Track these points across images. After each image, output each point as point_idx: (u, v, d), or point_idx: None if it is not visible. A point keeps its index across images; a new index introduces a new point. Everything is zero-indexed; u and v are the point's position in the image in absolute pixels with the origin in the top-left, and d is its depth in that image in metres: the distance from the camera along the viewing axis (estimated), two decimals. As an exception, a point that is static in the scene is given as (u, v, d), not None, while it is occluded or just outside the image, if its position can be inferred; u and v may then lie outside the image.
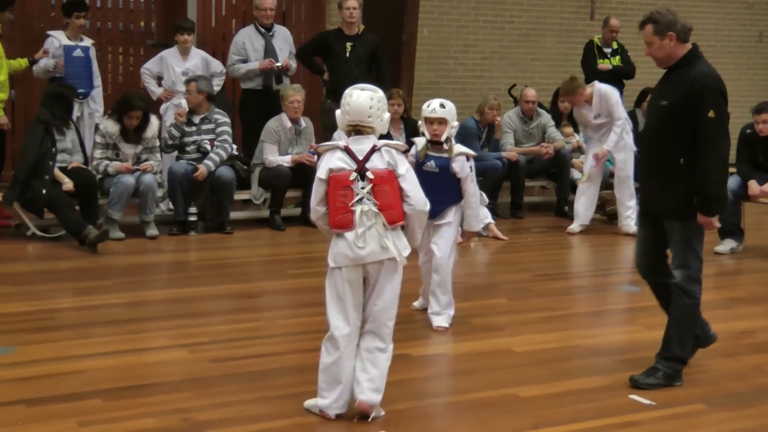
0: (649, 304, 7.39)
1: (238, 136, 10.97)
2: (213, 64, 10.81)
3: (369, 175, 4.72)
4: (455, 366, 5.81)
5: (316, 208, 4.86)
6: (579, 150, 11.52)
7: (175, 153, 9.96)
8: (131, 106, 9.39)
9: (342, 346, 4.80)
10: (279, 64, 10.63)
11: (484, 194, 6.88)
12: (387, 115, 4.88)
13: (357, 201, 4.72)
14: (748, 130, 9.31)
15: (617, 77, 12.36)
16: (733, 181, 9.39)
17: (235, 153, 10.27)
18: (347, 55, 10.91)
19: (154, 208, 9.56)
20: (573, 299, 7.62)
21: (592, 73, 12.31)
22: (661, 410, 5.14)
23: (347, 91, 4.85)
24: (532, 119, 11.53)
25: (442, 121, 6.33)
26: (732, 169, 9.82)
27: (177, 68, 10.55)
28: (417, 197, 4.81)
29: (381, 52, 11.10)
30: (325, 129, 11.07)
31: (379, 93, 4.83)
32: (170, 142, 9.83)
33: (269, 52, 10.72)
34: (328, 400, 4.83)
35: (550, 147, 11.33)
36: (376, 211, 4.72)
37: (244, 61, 10.72)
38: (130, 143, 9.53)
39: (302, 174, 10.16)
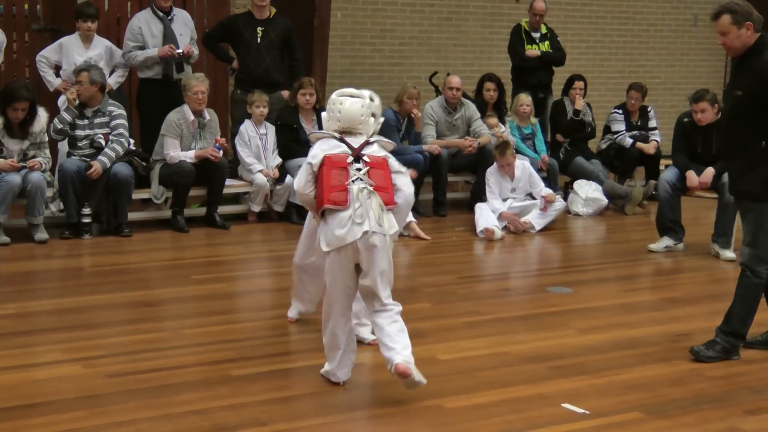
0: (582, 306, 7.51)
1: (136, 130, 10.84)
2: (117, 54, 10.66)
3: (365, 158, 5.33)
4: (375, 376, 5.81)
5: (303, 192, 5.41)
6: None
7: (66, 149, 9.80)
8: (16, 97, 9.22)
9: (332, 321, 5.45)
10: (180, 50, 10.53)
11: None
12: (372, 120, 5.52)
13: (352, 181, 5.27)
14: (686, 119, 9.46)
15: (546, 64, 12.50)
16: (670, 174, 9.55)
17: (133, 148, 10.15)
18: (258, 40, 10.86)
19: (43, 209, 9.40)
20: (500, 302, 7.68)
21: (519, 60, 12.43)
22: (596, 419, 5.20)
23: (337, 98, 5.46)
24: (456, 109, 11.58)
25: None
26: (668, 161, 10.02)
27: (79, 57, 10.37)
28: (409, 191, 5.51)
29: (294, 38, 11.09)
30: (235, 121, 11.02)
31: (367, 99, 5.47)
32: (59, 126, 9.60)
33: (168, 37, 10.61)
34: (332, 365, 5.53)
35: (475, 142, 11.40)
36: (371, 190, 5.28)
37: (142, 48, 10.60)
38: (15, 138, 9.36)
39: (206, 171, 10.09)
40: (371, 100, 5.56)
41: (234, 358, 6.07)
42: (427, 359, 6.07)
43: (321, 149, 5.39)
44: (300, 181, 5.41)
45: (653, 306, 7.63)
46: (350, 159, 5.32)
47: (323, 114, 5.56)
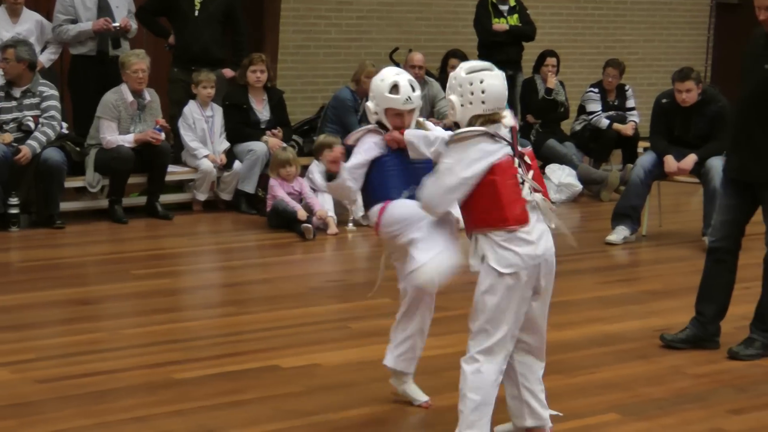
0: (555, 299, 7.52)
1: (69, 112, 10.75)
2: (49, 29, 10.57)
3: (526, 159, 4.67)
4: (333, 378, 5.82)
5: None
6: None
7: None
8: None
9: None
10: (116, 24, 10.46)
11: None
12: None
13: (527, 191, 4.62)
14: (664, 100, 9.49)
15: (515, 39, 12.52)
16: (646, 158, 9.61)
17: (66, 132, 10.09)
18: (196, 14, 10.81)
19: (-33, 199, 9.34)
20: (468, 297, 7.65)
21: (486, 35, 12.44)
22: (571, 421, 5.23)
23: (468, 76, 4.65)
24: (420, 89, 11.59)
25: None
26: (647, 144, 10.07)
27: (6, 33, 10.26)
28: None
29: (238, 10, 11.04)
30: (173, 103, 10.96)
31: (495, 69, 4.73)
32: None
33: (103, 10, 10.53)
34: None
35: (439, 123, 11.41)
36: (543, 198, 4.68)
37: (74, 22, 10.52)
38: (-64, 122, 9.28)
39: (147, 156, 10.04)
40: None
41: (178, 360, 6.05)
42: (388, 359, 6.09)
43: (475, 154, 4.56)
44: (449, 194, 4.64)
45: (631, 299, 7.68)
46: (516, 162, 4.62)
47: (453, 98, 4.67)
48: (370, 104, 5.25)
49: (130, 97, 10.11)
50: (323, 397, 5.57)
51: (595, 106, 12.50)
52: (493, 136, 4.58)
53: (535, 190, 4.66)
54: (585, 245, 9.47)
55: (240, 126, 10.63)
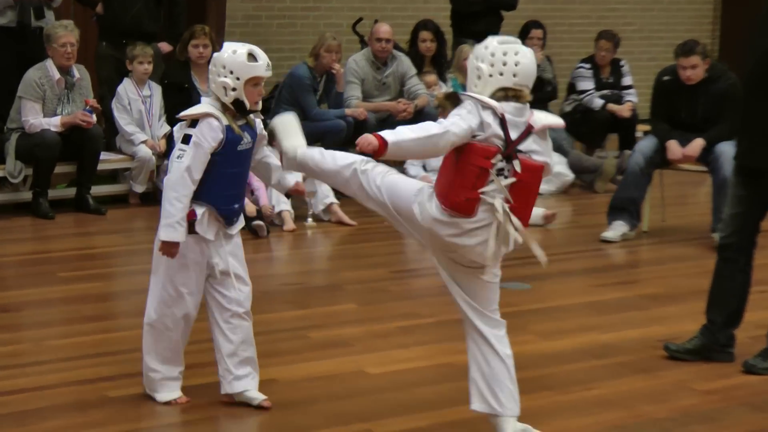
0: (543, 305, 7.54)
1: (-16, 92, 10.69)
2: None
3: (516, 164, 4.93)
4: (290, 395, 5.78)
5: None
6: None
7: None
8: None
9: None
10: (39, -10, 10.42)
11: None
12: None
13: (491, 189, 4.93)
14: (666, 77, 9.49)
15: (493, 8, 12.51)
16: (646, 144, 9.60)
17: (-19, 114, 10.04)
18: (127, -20, 10.82)
19: None
20: (442, 302, 7.63)
21: (461, 4, 12.42)
22: (562, 445, 5.23)
23: (501, 46, 4.98)
24: (387, 65, 11.57)
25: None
26: (646, 127, 10.08)
27: None
28: None
29: (177, -25, 11.05)
30: (101, 81, 10.92)
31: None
32: None
33: (23, -26, 10.48)
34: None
35: (410, 105, 11.40)
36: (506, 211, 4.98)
37: (-10, -11, 10.45)
38: None
39: (76, 142, 9.98)
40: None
41: (111, 375, 6.01)
42: (353, 373, 6.06)
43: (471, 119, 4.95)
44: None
45: (629, 304, 7.67)
46: (498, 158, 4.93)
47: (482, 66, 5.01)
48: (225, 80, 5.41)
49: (56, 75, 10.04)
50: (279, 417, 5.53)
51: (586, 84, 12.52)
52: (499, 117, 4.89)
53: (506, 201, 4.89)
54: (577, 243, 9.49)
55: (181, 108, 10.53)
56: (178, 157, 5.36)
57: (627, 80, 12.70)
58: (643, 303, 7.73)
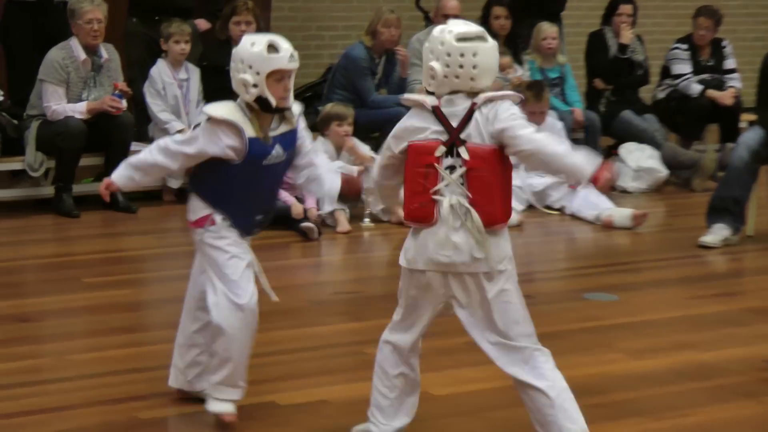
0: (632, 319, 7.50)
1: (2, 74, 10.77)
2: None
3: (462, 151, 4.94)
4: (344, 419, 5.77)
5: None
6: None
7: None
8: None
9: None
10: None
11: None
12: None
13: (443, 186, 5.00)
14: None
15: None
16: (752, 136, 9.53)
17: (-1, 99, 10.12)
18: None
19: None
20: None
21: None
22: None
23: (465, 45, 4.96)
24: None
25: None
26: (751, 116, 10.01)
27: None
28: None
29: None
30: (131, 62, 10.97)
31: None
32: None
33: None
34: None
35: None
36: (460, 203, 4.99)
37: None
38: None
39: (104, 130, 10.02)
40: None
41: (143, 394, 6.02)
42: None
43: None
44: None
45: (731, 319, 7.62)
46: (441, 150, 5.02)
47: (429, 66, 5.04)
48: (244, 76, 5.47)
49: (82, 55, 10.10)
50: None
51: (683, 67, 12.47)
52: (432, 111, 4.97)
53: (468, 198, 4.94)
54: (671, 248, 9.44)
55: (222, 93, 10.56)
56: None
57: (729, 63, 12.63)
58: (747, 318, 7.68)
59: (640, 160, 11.56)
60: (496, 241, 4.98)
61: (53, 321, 7.46)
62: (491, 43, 4.97)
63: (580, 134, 11.63)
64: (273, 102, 5.41)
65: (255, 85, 5.41)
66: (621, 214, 10.08)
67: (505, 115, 4.89)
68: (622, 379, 6.37)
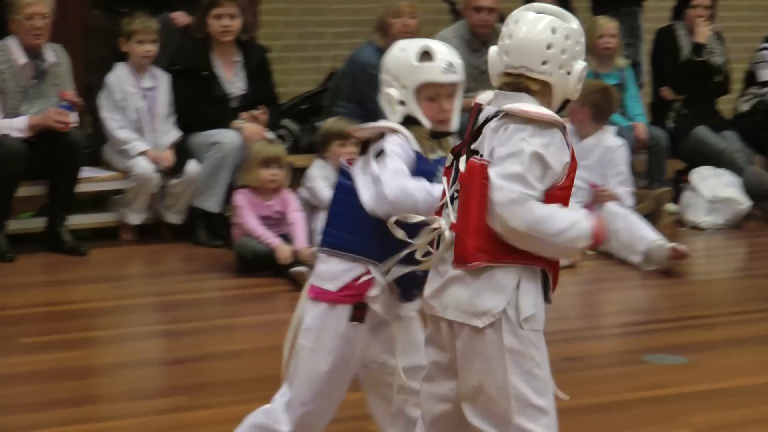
0: (704, 387, 7.54)
1: None
2: None
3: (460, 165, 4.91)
4: None
5: None
6: None
7: None
8: None
9: None
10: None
11: None
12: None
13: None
14: None
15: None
16: None
17: None
18: None
19: None
20: (563, 380, 7.67)
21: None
22: None
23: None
24: (487, 45, 11.61)
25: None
26: None
27: None
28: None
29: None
30: (91, 65, 11.02)
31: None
32: None
33: None
34: None
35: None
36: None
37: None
38: None
39: (49, 151, 10.06)
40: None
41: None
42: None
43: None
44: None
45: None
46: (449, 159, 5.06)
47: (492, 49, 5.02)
48: (390, 91, 5.32)
49: (21, 58, 10.16)
50: None
51: (772, 73, 12.54)
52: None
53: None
54: (753, 299, 9.47)
55: (198, 104, 10.66)
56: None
57: (833, 67, 12.70)
58: None
59: (716, 188, 11.59)
60: (477, 286, 4.80)
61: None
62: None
63: (642, 155, 11.67)
64: (427, 124, 5.29)
65: (401, 102, 5.32)
66: (656, 246, 9.97)
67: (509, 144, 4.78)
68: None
